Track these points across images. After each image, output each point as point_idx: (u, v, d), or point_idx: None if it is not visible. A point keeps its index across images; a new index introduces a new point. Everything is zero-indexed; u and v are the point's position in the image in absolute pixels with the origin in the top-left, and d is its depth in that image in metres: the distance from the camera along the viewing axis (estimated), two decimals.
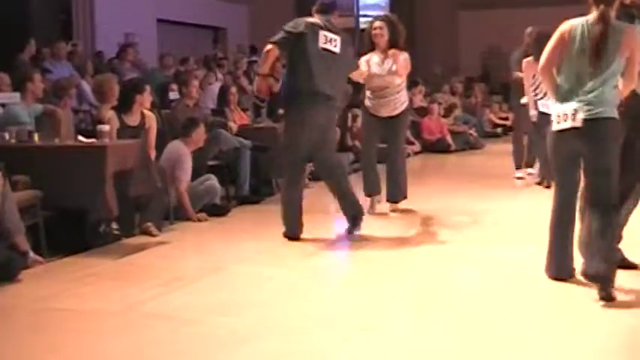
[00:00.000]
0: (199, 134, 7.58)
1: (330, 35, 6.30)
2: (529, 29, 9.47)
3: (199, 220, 7.17)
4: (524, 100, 9.14)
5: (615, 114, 4.48)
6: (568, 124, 4.46)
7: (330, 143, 6.55)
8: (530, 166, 10.04)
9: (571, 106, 4.46)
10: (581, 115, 4.42)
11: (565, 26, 4.56)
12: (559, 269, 4.76)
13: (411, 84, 15.55)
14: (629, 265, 4.93)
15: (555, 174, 4.81)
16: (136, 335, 4.05)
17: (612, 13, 4.48)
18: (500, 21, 18.48)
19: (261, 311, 4.40)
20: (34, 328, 4.24)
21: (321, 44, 6.25)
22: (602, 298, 4.32)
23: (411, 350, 3.76)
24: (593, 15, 4.48)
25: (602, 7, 4.44)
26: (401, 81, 7.45)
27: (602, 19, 4.42)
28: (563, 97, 4.54)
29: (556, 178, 4.81)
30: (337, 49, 6.32)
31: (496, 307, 4.42)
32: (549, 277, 4.78)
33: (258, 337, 3.95)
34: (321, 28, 6.29)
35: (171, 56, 13.45)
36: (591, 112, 4.41)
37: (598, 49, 4.40)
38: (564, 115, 4.47)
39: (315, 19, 6.36)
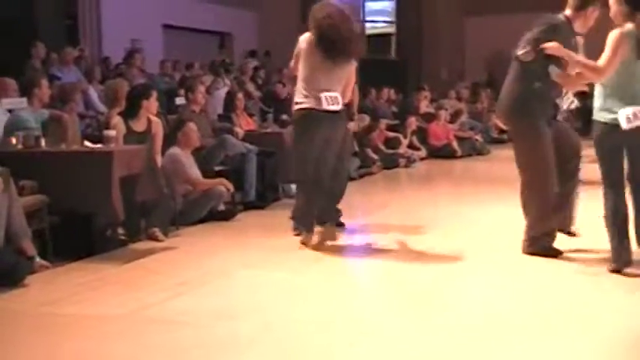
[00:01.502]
0: (186, 133, 7.52)
1: None
2: None
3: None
4: None
5: None
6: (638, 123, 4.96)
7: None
8: None
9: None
10: None
11: (619, 36, 4.93)
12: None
13: (416, 89, 15.62)
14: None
15: (606, 168, 5.09)
16: (140, 340, 4.06)
17: None
18: (506, 26, 18.39)
19: (265, 316, 4.40)
20: (40, 332, 4.25)
21: None
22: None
23: (415, 356, 3.76)
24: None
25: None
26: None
27: None
28: (616, 98, 4.97)
29: (606, 171, 5.09)
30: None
31: (501, 312, 4.41)
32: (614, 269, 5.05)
33: (262, 342, 3.95)
34: None
35: (170, 62, 13.50)
36: None
37: None
38: (634, 115, 4.94)
39: None
